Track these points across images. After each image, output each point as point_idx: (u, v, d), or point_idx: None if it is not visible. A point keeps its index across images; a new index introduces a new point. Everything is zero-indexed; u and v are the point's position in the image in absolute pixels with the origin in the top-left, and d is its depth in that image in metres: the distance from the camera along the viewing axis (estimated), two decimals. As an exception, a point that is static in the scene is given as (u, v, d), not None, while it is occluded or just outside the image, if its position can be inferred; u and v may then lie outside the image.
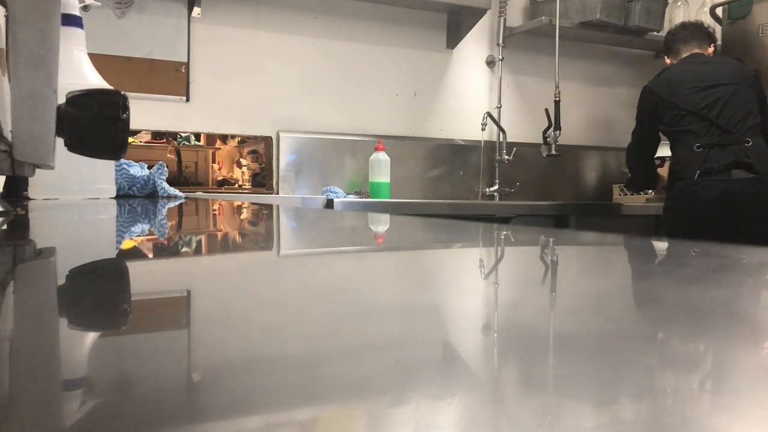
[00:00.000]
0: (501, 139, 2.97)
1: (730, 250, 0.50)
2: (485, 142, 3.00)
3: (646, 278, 0.38)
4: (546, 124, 2.83)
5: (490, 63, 3.04)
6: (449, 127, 2.98)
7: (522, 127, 3.11)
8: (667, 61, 2.52)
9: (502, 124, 2.96)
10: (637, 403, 0.15)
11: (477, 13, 2.80)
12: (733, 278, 0.38)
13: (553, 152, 2.77)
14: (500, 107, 2.98)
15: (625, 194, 3.02)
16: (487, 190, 2.97)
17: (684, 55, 2.44)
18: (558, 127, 2.77)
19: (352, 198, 2.48)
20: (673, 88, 2.32)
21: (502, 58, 2.99)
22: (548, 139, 2.79)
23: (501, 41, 2.98)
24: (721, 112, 2.25)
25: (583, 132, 3.28)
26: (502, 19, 2.97)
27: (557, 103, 2.80)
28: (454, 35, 2.93)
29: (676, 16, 3.27)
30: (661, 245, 0.61)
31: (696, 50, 2.44)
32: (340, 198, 2.35)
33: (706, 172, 2.20)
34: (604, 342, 0.20)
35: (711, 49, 2.47)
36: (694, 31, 2.49)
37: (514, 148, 2.94)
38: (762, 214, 2.22)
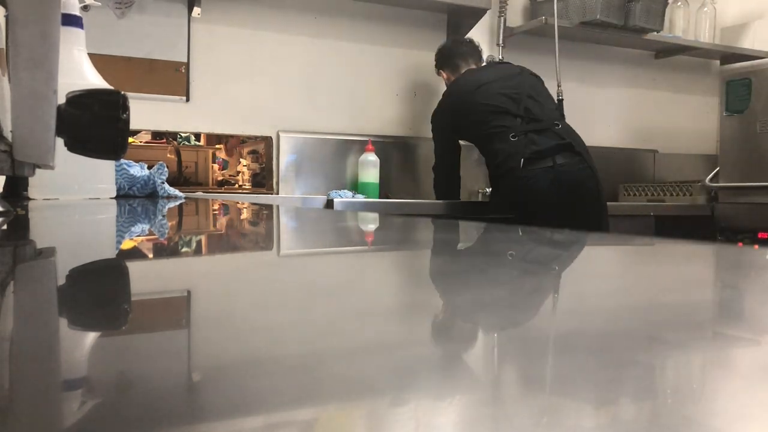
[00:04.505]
0: (501, 139, 2.96)
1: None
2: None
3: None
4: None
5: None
6: (449, 127, 2.97)
7: (522, 127, 3.11)
8: (444, 75, 2.55)
9: (502, 124, 2.96)
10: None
11: (477, 13, 2.80)
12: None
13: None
14: (500, 107, 2.98)
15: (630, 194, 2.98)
16: (487, 190, 2.96)
17: (462, 71, 2.47)
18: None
19: (359, 197, 2.48)
20: (467, 98, 2.30)
21: (502, 58, 2.99)
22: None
23: (501, 41, 2.97)
24: (521, 103, 2.25)
25: (583, 132, 3.27)
26: (502, 19, 2.96)
27: (560, 102, 2.78)
28: (454, 35, 2.93)
29: (676, 16, 3.27)
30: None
31: (473, 66, 2.50)
32: (343, 198, 2.35)
33: (531, 158, 2.13)
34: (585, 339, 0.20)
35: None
36: (471, 48, 2.54)
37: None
38: (593, 195, 2.23)
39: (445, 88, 2.53)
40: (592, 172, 2.23)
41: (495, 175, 2.28)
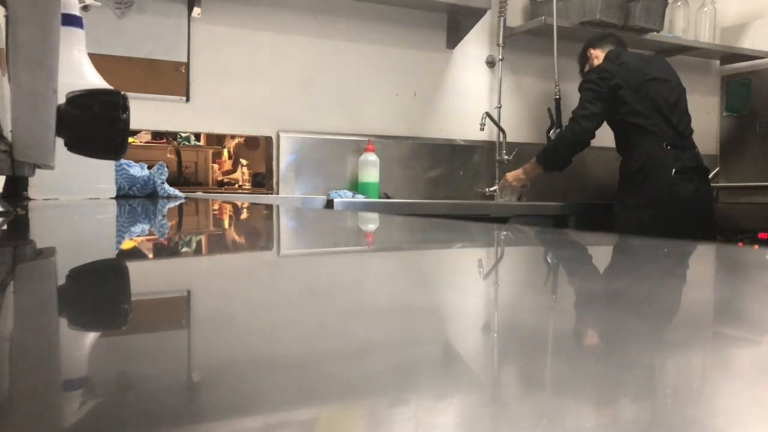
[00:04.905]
0: (501, 139, 2.97)
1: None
2: (485, 142, 3.00)
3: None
4: (547, 125, 2.83)
5: (490, 63, 3.03)
6: (449, 127, 2.98)
7: (522, 127, 3.11)
8: (592, 54, 2.56)
9: (502, 125, 2.96)
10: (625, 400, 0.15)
11: (477, 13, 2.80)
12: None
13: None
14: (500, 107, 2.98)
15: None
16: (487, 190, 2.97)
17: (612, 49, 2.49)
18: (560, 126, 2.77)
19: (359, 198, 2.48)
20: (636, 82, 2.33)
21: (502, 58, 2.99)
22: (552, 138, 2.79)
23: (501, 41, 2.97)
24: (674, 112, 2.35)
25: (583, 132, 3.27)
26: (502, 19, 2.97)
27: (558, 101, 2.81)
28: (454, 35, 2.93)
29: (676, 16, 3.27)
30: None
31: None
32: (344, 198, 2.36)
33: (681, 170, 2.28)
34: (602, 341, 0.20)
35: None
36: (619, 41, 2.60)
37: (515, 149, 2.94)
38: (711, 217, 2.43)
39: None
40: (712, 195, 2.45)
41: (638, 175, 2.34)
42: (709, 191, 2.42)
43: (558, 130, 2.76)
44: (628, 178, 2.41)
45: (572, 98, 2.87)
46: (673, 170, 2.27)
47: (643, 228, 2.29)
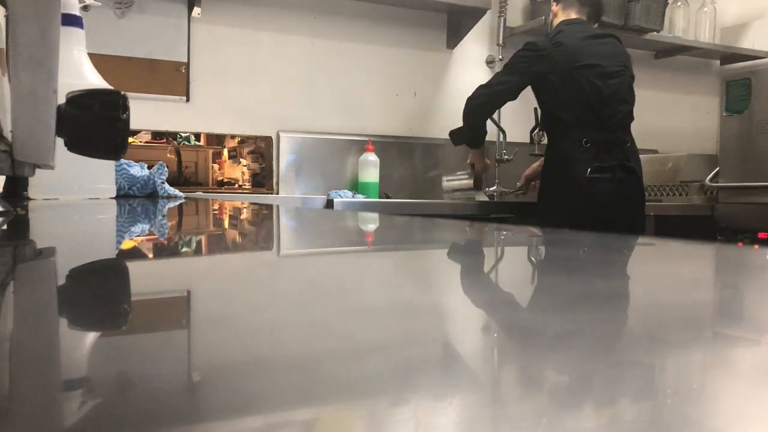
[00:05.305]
0: (501, 139, 2.96)
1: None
2: (485, 142, 3.00)
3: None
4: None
5: (490, 63, 3.03)
6: (449, 127, 2.97)
7: (522, 127, 3.10)
8: (554, 7, 2.35)
9: (502, 125, 2.96)
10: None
11: (477, 13, 2.80)
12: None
13: (536, 152, 2.73)
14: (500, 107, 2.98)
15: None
16: (487, 189, 2.96)
17: (573, 16, 2.30)
18: (544, 128, 2.73)
19: (359, 197, 2.48)
20: (567, 62, 2.16)
21: (502, 58, 2.99)
22: (534, 139, 2.76)
23: (501, 41, 2.97)
24: (607, 104, 2.19)
25: (583, 132, 3.27)
26: (502, 19, 2.97)
27: None
28: (454, 35, 2.93)
29: (676, 16, 3.27)
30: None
31: (584, 18, 2.32)
32: (343, 198, 2.36)
33: (596, 170, 2.13)
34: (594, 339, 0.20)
35: (596, 26, 2.39)
36: (594, 2, 2.38)
37: (515, 149, 2.94)
38: (640, 209, 2.28)
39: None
40: (642, 187, 2.29)
41: (556, 172, 2.22)
42: (634, 191, 2.24)
43: (541, 132, 2.71)
44: (547, 174, 2.29)
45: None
46: (589, 170, 2.12)
47: (560, 224, 2.13)
